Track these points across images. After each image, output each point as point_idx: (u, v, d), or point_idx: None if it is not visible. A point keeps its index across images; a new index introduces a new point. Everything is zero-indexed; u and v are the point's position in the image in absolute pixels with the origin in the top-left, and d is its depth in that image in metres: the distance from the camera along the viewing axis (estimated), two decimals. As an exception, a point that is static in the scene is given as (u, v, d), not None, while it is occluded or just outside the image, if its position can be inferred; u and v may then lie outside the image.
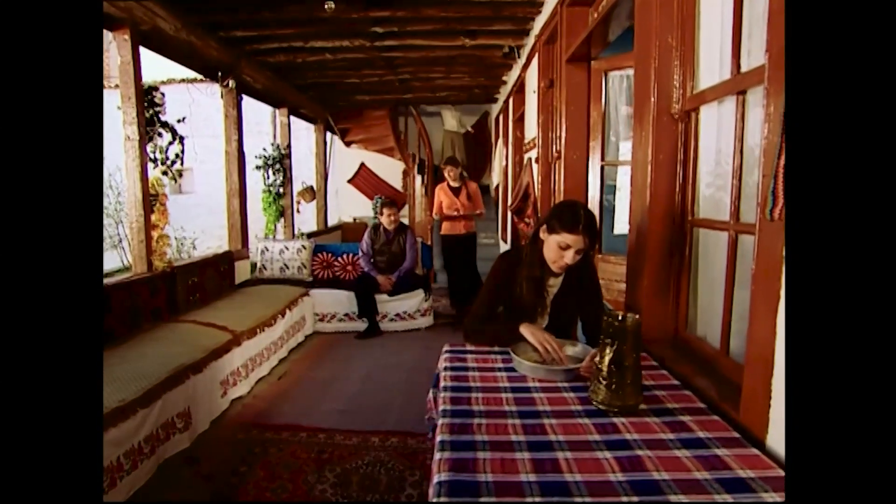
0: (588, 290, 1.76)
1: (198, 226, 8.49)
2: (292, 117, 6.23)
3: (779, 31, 1.03)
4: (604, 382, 1.24)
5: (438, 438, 1.09)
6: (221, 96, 4.38)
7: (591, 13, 2.89)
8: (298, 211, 6.48)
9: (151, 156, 3.32)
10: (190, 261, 3.88)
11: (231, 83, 4.32)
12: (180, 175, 3.46)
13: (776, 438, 1.07)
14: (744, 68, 1.40)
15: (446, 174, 4.86)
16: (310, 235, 6.12)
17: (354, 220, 8.22)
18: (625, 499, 0.89)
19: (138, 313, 3.02)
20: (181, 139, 3.48)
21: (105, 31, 3.07)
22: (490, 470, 0.97)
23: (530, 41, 4.09)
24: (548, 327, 1.75)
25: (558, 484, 0.93)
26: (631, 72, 2.89)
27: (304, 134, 8.24)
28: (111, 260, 8.59)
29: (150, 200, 3.25)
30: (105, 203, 7.87)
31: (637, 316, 1.24)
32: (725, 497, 0.89)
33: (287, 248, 4.80)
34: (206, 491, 2.14)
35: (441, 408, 1.25)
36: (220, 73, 4.26)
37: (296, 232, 6.19)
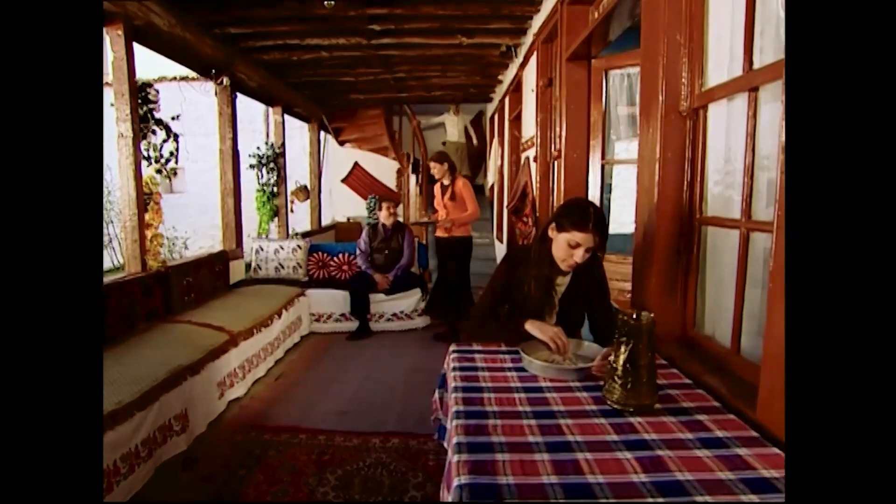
0: (596, 289, 1.74)
1: (189, 225, 8.36)
2: (286, 116, 6.17)
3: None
4: (619, 381, 1.22)
5: (455, 440, 1.06)
6: (215, 94, 4.32)
7: (592, 12, 2.88)
8: (292, 210, 6.41)
9: (145, 154, 3.25)
10: (184, 260, 3.82)
11: (225, 81, 4.26)
12: (175, 173, 3.40)
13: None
14: (756, 65, 1.39)
15: (433, 172, 4.32)
16: (304, 235, 6.07)
17: (348, 219, 8.17)
18: (650, 500, 0.87)
19: (133, 314, 2.96)
20: (175, 137, 3.42)
21: (98, 27, 3.01)
22: (510, 472, 0.95)
23: (528, 40, 4.08)
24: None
25: (581, 486, 0.91)
26: (632, 70, 2.91)
27: (297, 133, 8.16)
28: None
29: (144, 199, 3.19)
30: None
31: (652, 315, 1.23)
32: (752, 497, 0.88)
33: (282, 248, 4.75)
34: (204, 495, 2.10)
35: (454, 409, 1.22)
36: (214, 71, 4.20)
37: (290, 232, 6.13)
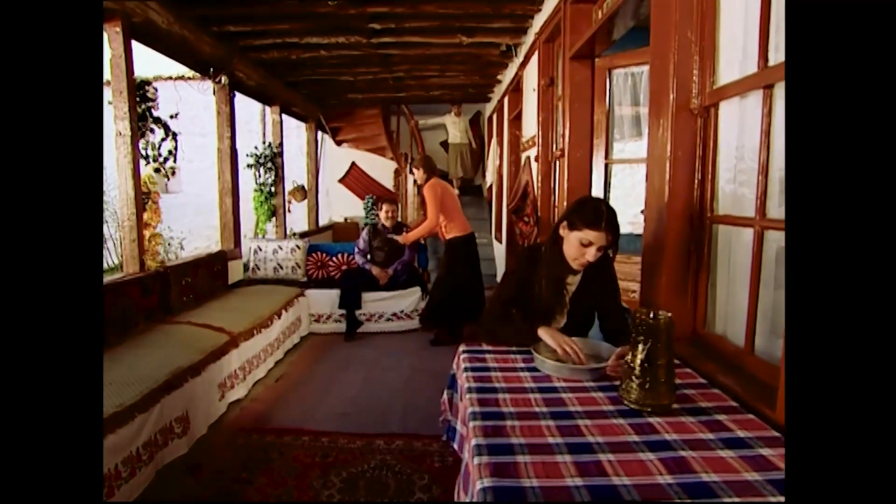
0: (606, 288, 1.73)
1: (184, 226, 8.29)
2: (283, 115, 6.12)
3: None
4: (637, 381, 1.21)
5: (474, 442, 1.04)
6: (214, 93, 4.28)
7: (596, 11, 2.88)
8: (289, 210, 6.37)
9: (143, 152, 3.21)
10: (183, 260, 3.77)
11: (224, 79, 4.22)
12: (173, 172, 3.36)
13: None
14: (771, 62, 1.38)
15: (415, 178, 4.17)
16: (301, 235, 6.03)
17: (346, 220, 8.13)
18: (678, 502, 0.85)
19: (131, 314, 2.92)
20: (174, 135, 3.38)
21: (96, 23, 2.97)
22: (533, 474, 0.93)
23: (529, 39, 4.07)
24: (566, 326, 1.72)
25: (607, 488, 0.89)
26: (635, 69, 2.90)
27: (294, 132, 8.12)
28: (94, 260, 8.33)
29: (143, 199, 3.15)
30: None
31: (669, 314, 1.22)
32: (781, 499, 0.86)
33: (281, 248, 4.71)
34: (207, 498, 2.06)
35: (470, 410, 1.20)
36: (212, 70, 4.16)
37: (287, 232, 6.09)
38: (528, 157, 4.11)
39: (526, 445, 1.03)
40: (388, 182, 8.35)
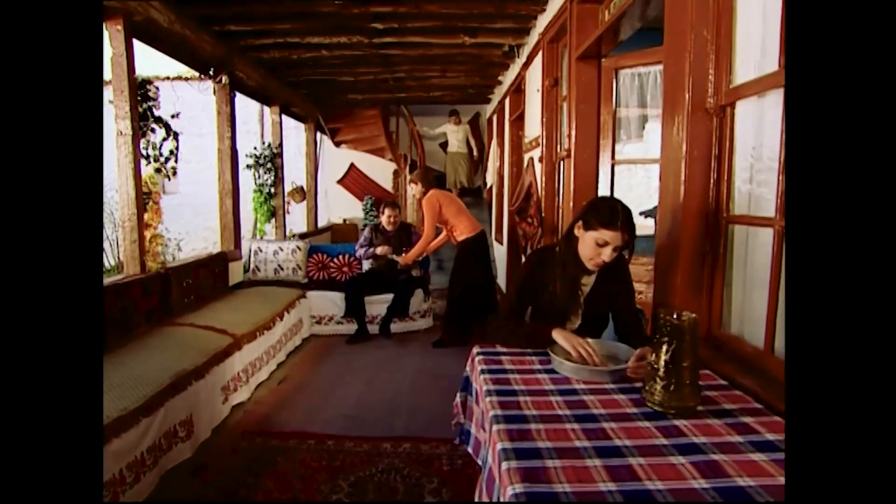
0: (621, 289, 1.71)
1: (182, 227, 8.21)
2: (282, 116, 6.08)
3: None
4: (661, 383, 1.19)
5: (499, 446, 1.02)
6: (214, 93, 4.24)
7: (602, 11, 2.87)
8: (288, 212, 6.32)
9: (144, 152, 3.17)
10: (184, 261, 3.73)
11: (224, 79, 4.18)
12: (174, 172, 3.32)
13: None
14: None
15: (413, 193, 4.25)
16: (300, 236, 5.98)
17: (344, 221, 8.08)
18: (716, 507, 0.83)
19: (132, 316, 2.87)
20: (175, 135, 3.34)
21: (96, 21, 2.93)
22: (564, 479, 0.90)
23: (532, 39, 4.06)
24: (580, 327, 1.70)
25: (641, 493, 0.87)
26: (643, 69, 2.89)
27: (292, 133, 8.08)
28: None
29: (143, 199, 3.11)
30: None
31: (694, 314, 1.20)
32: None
33: (281, 249, 4.68)
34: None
35: (492, 413, 1.18)
36: (212, 69, 4.12)
37: (287, 233, 6.05)
38: (532, 158, 4.09)
39: (553, 449, 1.00)
40: (387, 183, 8.31)
